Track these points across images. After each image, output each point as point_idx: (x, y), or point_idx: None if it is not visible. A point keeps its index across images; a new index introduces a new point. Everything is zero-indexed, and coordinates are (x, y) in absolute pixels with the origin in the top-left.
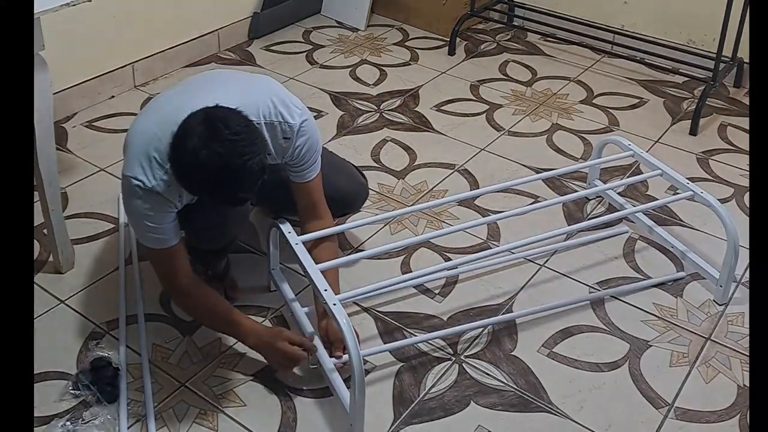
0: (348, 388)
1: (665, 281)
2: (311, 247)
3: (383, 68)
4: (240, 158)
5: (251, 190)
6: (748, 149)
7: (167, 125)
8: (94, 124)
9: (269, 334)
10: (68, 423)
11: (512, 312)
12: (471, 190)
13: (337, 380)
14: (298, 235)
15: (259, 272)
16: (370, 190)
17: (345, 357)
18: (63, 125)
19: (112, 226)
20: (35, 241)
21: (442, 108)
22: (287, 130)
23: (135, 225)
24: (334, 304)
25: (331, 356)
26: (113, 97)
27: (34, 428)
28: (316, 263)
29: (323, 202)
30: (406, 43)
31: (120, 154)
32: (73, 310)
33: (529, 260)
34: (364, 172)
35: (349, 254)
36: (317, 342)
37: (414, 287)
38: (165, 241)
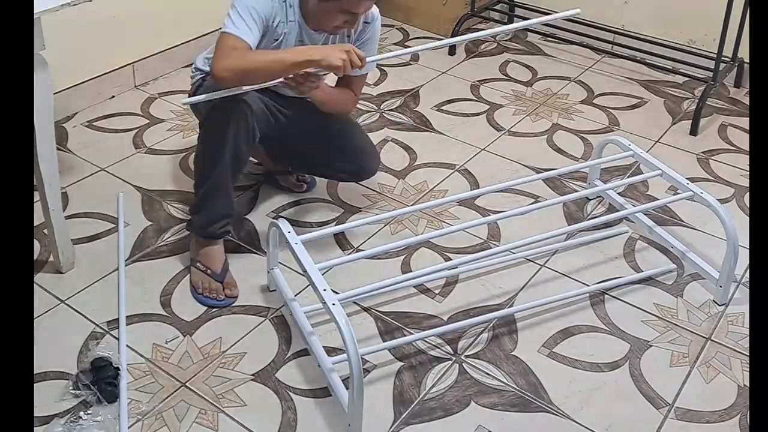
0: (347, 388)
1: (657, 274)
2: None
3: (383, 68)
4: None
5: None
6: (748, 149)
7: None
8: (94, 124)
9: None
10: (68, 423)
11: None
12: (471, 190)
13: (336, 380)
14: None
15: (259, 272)
16: (370, 190)
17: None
18: (63, 125)
19: (113, 226)
20: (35, 241)
21: (442, 108)
22: (368, 15)
23: (234, 15)
24: (333, 304)
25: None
26: (113, 97)
27: (35, 428)
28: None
29: (360, 92)
30: (407, 43)
31: (119, 154)
32: (74, 310)
33: (529, 260)
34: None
35: (349, 254)
36: (315, 342)
37: (414, 287)
38: (247, 34)
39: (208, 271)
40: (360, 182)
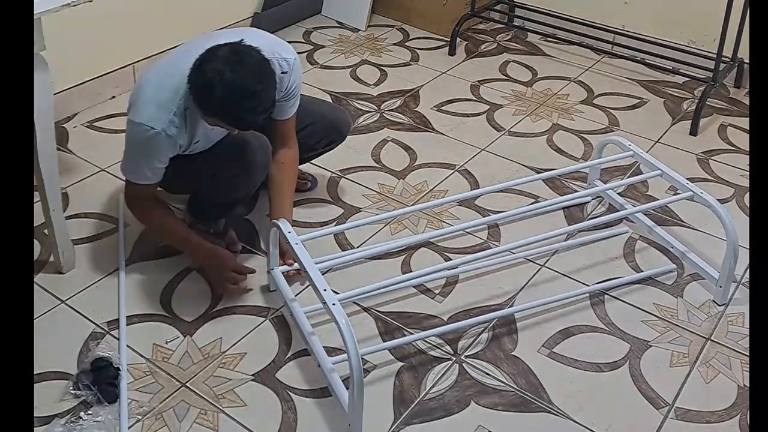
0: (347, 388)
1: (657, 274)
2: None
3: (383, 68)
4: (259, 83)
5: (263, 114)
6: (748, 149)
7: (174, 73)
8: (94, 124)
9: (215, 254)
10: (69, 423)
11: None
12: (471, 190)
13: (336, 380)
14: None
15: (259, 272)
16: (370, 190)
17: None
18: (63, 125)
19: (113, 226)
20: (36, 241)
21: (442, 108)
22: (284, 65)
23: (130, 162)
24: (333, 304)
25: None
26: (114, 97)
27: (35, 428)
28: (275, 180)
29: (294, 136)
30: (407, 44)
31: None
32: (74, 310)
33: (529, 260)
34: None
35: (349, 254)
36: (315, 342)
37: (414, 287)
38: (152, 179)
39: (211, 230)
40: (339, 142)
